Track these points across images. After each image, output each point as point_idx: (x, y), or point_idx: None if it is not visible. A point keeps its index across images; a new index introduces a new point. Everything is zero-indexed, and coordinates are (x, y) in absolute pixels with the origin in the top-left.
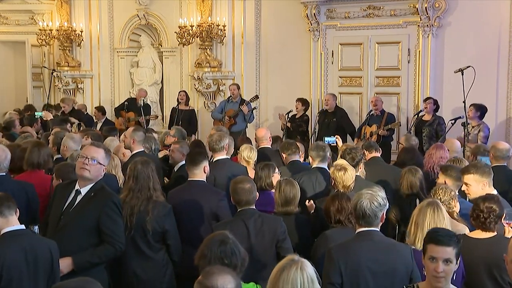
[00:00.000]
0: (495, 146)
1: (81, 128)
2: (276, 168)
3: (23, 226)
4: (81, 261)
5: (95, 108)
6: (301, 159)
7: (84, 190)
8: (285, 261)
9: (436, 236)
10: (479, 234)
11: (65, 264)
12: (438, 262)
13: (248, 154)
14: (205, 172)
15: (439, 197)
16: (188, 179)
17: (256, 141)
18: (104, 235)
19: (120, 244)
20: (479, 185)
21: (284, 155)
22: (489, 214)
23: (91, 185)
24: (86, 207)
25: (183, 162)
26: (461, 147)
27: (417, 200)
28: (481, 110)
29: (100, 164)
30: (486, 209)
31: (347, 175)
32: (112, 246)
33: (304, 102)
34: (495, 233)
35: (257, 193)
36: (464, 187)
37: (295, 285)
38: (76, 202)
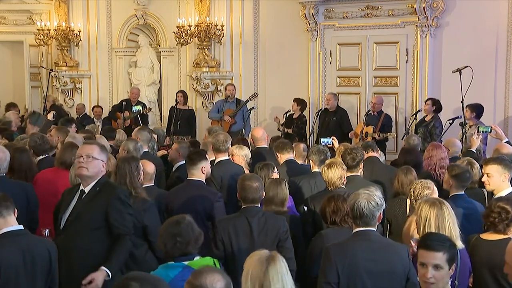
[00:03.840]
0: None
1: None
2: (275, 168)
3: (21, 227)
4: (112, 265)
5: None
6: (300, 160)
7: (88, 189)
8: (262, 256)
9: (426, 241)
10: (489, 235)
11: (100, 277)
12: (427, 268)
13: (245, 153)
14: (203, 173)
15: (411, 194)
16: (187, 178)
17: (253, 141)
18: (114, 228)
19: (129, 235)
20: (500, 177)
21: (279, 155)
22: (500, 215)
23: (94, 182)
24: (93, 203)
25: (181, 162)
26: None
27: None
28: (476, 110)
29: (97, 159)
30: (497, 209)
31: (332, 171)
32: (124, 237)
33: (300, 102)
34: (508, 235)
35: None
36: (485, 178)
37: (283, 274)
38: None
